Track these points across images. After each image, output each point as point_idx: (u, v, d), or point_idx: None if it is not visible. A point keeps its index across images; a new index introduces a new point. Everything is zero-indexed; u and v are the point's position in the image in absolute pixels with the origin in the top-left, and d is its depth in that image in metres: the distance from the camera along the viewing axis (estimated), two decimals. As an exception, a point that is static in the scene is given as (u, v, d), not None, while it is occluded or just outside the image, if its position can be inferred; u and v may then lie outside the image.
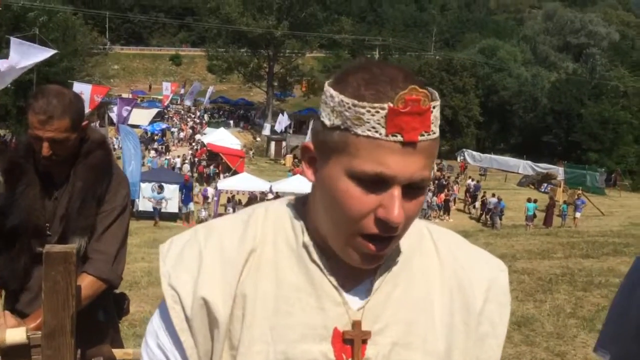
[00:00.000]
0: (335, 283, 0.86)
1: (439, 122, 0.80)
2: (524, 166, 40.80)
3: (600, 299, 6.39)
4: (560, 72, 55.07)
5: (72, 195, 1.88)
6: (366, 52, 56.87)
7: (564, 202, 23.63)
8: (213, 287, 0.84)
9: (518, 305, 6.20)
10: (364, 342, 0.85)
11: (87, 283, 1.84)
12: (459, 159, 43.64)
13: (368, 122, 0.76)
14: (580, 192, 25.00)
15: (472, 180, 29.31)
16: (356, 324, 0.85)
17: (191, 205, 20.82)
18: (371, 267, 0.85)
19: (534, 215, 20.46)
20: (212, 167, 29.74)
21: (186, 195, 20.91)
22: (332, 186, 0.80)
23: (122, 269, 1.98)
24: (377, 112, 0.76)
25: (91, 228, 1.89)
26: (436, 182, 29.08)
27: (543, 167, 38.87)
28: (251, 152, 41.18)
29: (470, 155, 45.03)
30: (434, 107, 0.78)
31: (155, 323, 0.90)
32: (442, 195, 25.33)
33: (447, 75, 50.59)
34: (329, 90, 0.82)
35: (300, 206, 0.92)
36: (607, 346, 1.23)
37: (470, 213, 25.55)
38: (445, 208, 24.63)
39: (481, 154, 45.70)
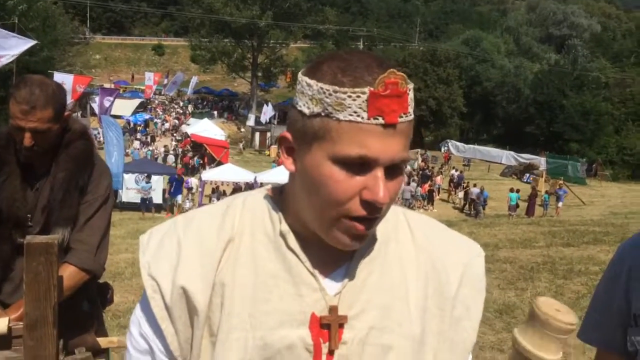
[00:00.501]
0: (311, 270, 0.88)
1: (413, 104, 0.83)
2: (507, 157, 41.17)
3: (580, 287, 6.51)
4: (543, 63, 55.54)
5: (53, 185, 1.87)
6: (350, 43, 56.84)
7: (546, 192, 23.92)
8: (192, 276, 0.86)
9: (500, 294, 6.29)
10: (341, 326, 0.86)
11: (70, 273, 1.84)
12: (442, 150, 43.87)
13: (349, 107, 0.78)
14: (561, 182, 25.31)
15: (456, 170, 29.51)
16: (333, 309, 0.86)
17: (179, 198, 20.75)
18: (357, 247, 0.87)
19: (517, 205, 20.70)
20: (196, 158, 29.58)
21: (176, 187, 20.86)
22: (316, 172, 0.82)
23: (105, 259, 1.97)
24: (358, 96, 0.78)
25: (74, 219, 1.88)
26: (420, 172, 29.25)
27: (525, 157, 39.25)
28: (241, 145, 40.78)
29: (454, 146, 45.30)
30: (409, 90, 0.81)
31: (138, 313, 0.91)
32: (426, 186, 25.48)
33: (431, 66, 50.74)
34: (304, 79, 0.83)
35: (278, 196, 0.94)
36: (590, 334, 1.26)
37: (454, 203, 25.75)
38: (429, 198, 24.79)
39: (465, 145, 46.00)
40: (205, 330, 0.86)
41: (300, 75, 0.85)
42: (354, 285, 0.89)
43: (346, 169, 0.80)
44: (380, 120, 0.78)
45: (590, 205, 23.81)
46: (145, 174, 19.96)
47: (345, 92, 0.78)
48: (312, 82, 0.82)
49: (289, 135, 0.87)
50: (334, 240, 0.84)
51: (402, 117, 0.80)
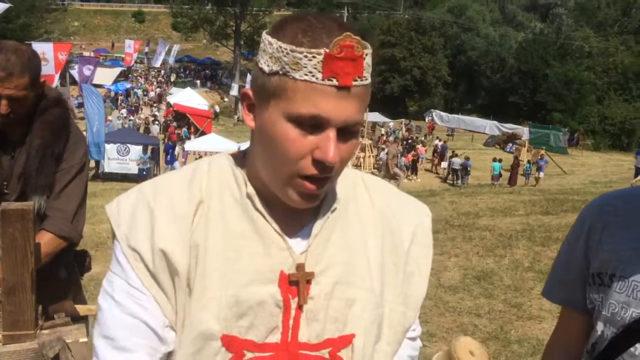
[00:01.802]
0: (278, 230, 0.92)
1: (370, 69, 0.85)
2: (491, 126, 41.35)
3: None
4: (528, 32, 55.32)
5: (29, 153, 1.86)
6: (335, 11, 56.00)
7: (528, 161, 24.15)
8: (169, 239, 0.88)
9: (479, 261, 6.42)
10: (308, 282, 0.91)
11: (47, 240, 1.85)
12: (427, 120, 43.90)
13: (305, 67, 0.80)
14: (543, 152, 25.55)
15: (440, 140, 29.62)
16: (300, 266, 0.91)
17: (176, 165, 20.69)
18: (309, 207, 0.90)
19: (500, 175, 20.90)
20: (184, 129, 29.19)
21: (171, 155, 20.89)
22: (271, 129, 0.84)
23: (82, 226, 1.98)
24: (314, 57, 0.80)
25: (50, 187, 1.88)
26: (404, 142, 29.30)
27: (509, 127, 39.46)
28: (236, 117, 39.74)
29: (438, 116, 45.34)
30: (366, 55, 0.83)
31: (119, 294, 0.89)
32: (410, 156, 25.56)
33: (416, 35, 50.32)
34: (267, 38, 0.85)
35: (241, 158, 0.97)
36: (554, 293, 1.29)
37: (437, 173, 25.92)
38: (413, 168, 24.90)
39: (449, 115, 46.04)
40: (186, 291, 0.88)
41: (264, 34, 0.87)
42: (318, 243, 0.93)
43: (300, 127, 0.82)
44: (334, 82, 0.80)
45: (571, 175, 24.14)
46: (143, 146, 19.76)
47: (301, 52, 0.80)
48: (273, 40, 0.83)
49: (250, 92, 0.89)
50: (287, 199, 0.88)
51: (356, 80, 0.82)
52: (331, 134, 0.82)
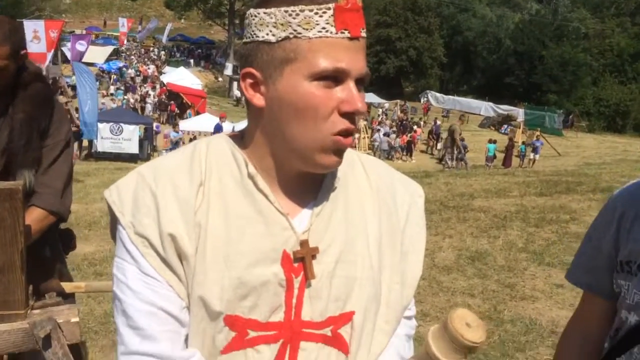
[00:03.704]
0: (281, 210, 0.91)
1: None
2: (486, 108, 41.33)
3: (551, 234, 6.68)
4: (524, 13, 54.98)
5: (13, 127, 1.84)
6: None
7: (523, 142, 24.20)
8: (175, 223, 0.87)
9: (473, 241, 6.44)
10: (313, 258, 0.91)
11: (37, 216, 1.84)
12: (422, 101, 43.83)
13: (318, 24, 0.83)
14: (538, 133, 25.59)
15: (435, 122, 29.60)
16: (304, 243, 0.91)
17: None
18: (339, 165, 0.91)
19: (494, 156, 20.93)
20: (189, 111, 28.87)
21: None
22: (294, 95, 0.85)
23: (70, 202, 1.98)
24: (325, 12, 0.83)
25: (38, 161, 1.86)
26: (399, 123, 29.27)
27: (504, 108, 39.47)
28: (235, 97, 38.79)
29: (434, 97, 45.26)
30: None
31: (133, 282, 0.88)
32: (405, 137, 25.56)
33: (412, 15, 49.96)
34: (260, 11, 0.86)
35: (239, 139, 0.97)
36: (579, 276, 1.29)
37: (432, 154, 25.94)
38: (408, 149, 24.92)
39: (444, 96, 45.98)
40: (193, 273, 0.88)
41: (252, 11, 0.87)
42: (320, 222, 0.93)
43: (323, 84, 0.84)
44: (347, 34, 0.84)
45: (565, 156, 24.21)
46: (135, 125, 19.68)
47: (312, 10, 0.82)
48: (272, 9, 0.84)
49: (253, 70, 0.88)
50: (321, 163, 0.89)
51: (362, 30, 0.86)
52: (352, 84, 0.85)
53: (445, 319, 0.78)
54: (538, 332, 4.13)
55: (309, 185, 0.95)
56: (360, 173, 1.01)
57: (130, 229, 0.88)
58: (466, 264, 5.67)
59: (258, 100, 0.89)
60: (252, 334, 0.90)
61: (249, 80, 0.89)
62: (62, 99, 12.26)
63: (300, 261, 0.91)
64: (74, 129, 10.99)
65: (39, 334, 1.74)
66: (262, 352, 0.90)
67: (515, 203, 8.51)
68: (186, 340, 0.90)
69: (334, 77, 0.84)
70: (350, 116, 0.86)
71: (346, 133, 0.87)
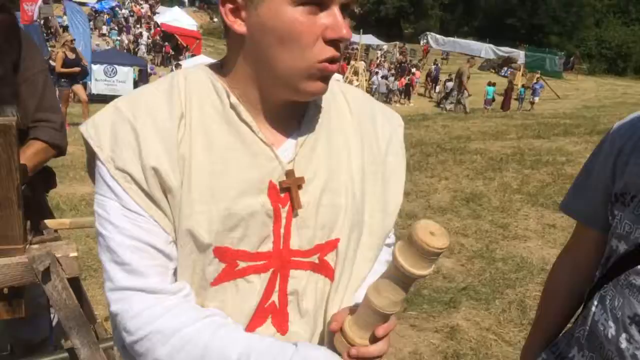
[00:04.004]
0: (265, 140, 0.91)
1: None
2: (486, 50, 40.61)
3: (546, 176, 6.73)
4: (529, -50, 53.09)
5: None
6: None
7: (523, 85, 23.94)
8: (158, 156, 0.85)
9: (468, 183, 6.49)
10: (299, 187, 0.92)
11: (40, 149, 1.88)
12: (422, 43, 42.99)
13: None
14: (538, 76, 25.27)
15: (434, 64, 29.16)
16: (290, 173, 0.91)
17: None
18: (325, 92, 0.90)
19: (493, 99, 20.75)
20: (188, 54, 28.29)
21: None
22: (277, 21, 0.82)
23: (66, 135, 2.01)
24: None
25: (16, 96, 1.85)
26: (398, 66, 28.84)
27: (505, 50, 38.80)
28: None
29: (434, 39, 44.35)
30: None
31: (116, 218, 0.86)
32: (404, 80, 25.25)
33: (413, -48, 48.32)
34: None
35: (219, 69, 0.94)
36: (574, 207, 1.31)
37: (431, 97, 25.70)
38: (406, 92, 24.67)
39: (444, 38, 45.05)
40: (179, 206, 0.87)
41: None
42: (304, 152, 0.93)
43: (306, 9, 0.82)
44: None
45: (564, 99, 24.02)
46: (129, 66, 19.31)
47: None
48: None
49: None
50: (308, 90, 0.87)
51: None
52: (337, 11, 0.83)
53: (409, 232, 0.81)
54: (528, 270, 4.23)
55: (292, 115, 0.94)
56: (342, 103, 1.01)
57: (110, 164, 0.86)
58: (461, 205, 5.74)
59: (239, 26, 0.86)
60: (242, 264, 0.90)
61: (229, 5, 0.86)
62: (66, 36, 12.02)
63: (287, 191, 0.91)
64: (77, 69, 10.83)
65: (38, 268, 1.78)
66: (253, 281, 0.92)
67: (512, 145, 8.52)
68: (174, 274, 0.90)
69: (318, 2, 0.82)
70: (335, 43, 0.84)
71: (332, 60, 0.85)
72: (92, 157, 0.91)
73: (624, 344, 1.05)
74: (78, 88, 11.18)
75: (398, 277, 0.84)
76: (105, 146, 0.86)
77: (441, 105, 22.24)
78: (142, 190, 0.85)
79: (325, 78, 0.87)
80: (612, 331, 1.09)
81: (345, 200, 0.95)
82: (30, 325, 2.19)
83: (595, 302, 1.16)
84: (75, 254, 1.89)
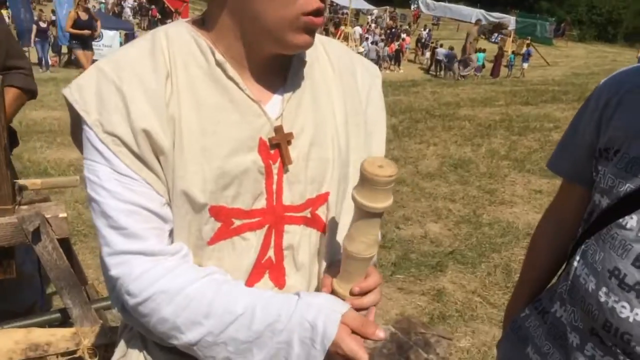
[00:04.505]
0: (253, 97, 0.91)
1: None
2: (477, 15, 40.04)
3: (533, 142, 6.77)
4: None
5: None
6: None
7: (513, 52, 23.82)
8: (148, 117, 0.84)
9: (456, 149, 6.52)
10: (288, 143, 0.93)
11: (15, 95, 1.96)
12: (412, 7, 42.41)
13: None
14: (528, 42, 25.13)
15: (425, 29, 28.86)
16: (278, 129, 0.92)
17: None
18: (311, 45, 0.90)
19: (483, 66, 20.67)
20: (177, 17, 27.78)
21: None
22: None
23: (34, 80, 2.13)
24: None
25: None
26: (388, 31, 28.51)
27: (496, 16, 38.37)
28: None
29: (424, 3, 43.72)
30: None
31: (108, 183, 0.85)
32: (394, 45, 25.00)
33: None
34: None
35: (200, 25, 0.93)
36: (559, 164, 1.32)
37: (421, 63, 25.53)
38: (396, 58, 24.46)
39: (435, 2, 44.41)
40: (172, 168, 0.87)
41: None
42: (291, 107, 0.94)
43: None
44: None
45: (554, 66, 23.96)
46: (114, 30, 18.87)
47: None
48: None
49: None
50: (294, 43, 0.87)
51: None
52: None
53: (360, 171, 0.84)
54: (514, 235, 4.30)
55: (277, 70, 0.94)
56: (323, 55, 1.01)
57: (98, 128, 0.84)
58: (449, 171, 5.78)
59: None
60: (237, 222, 0.91)
61: None
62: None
63: (276, 147, 0.92)
64: (87, 32, 10.56)
65: (27, 228, 1.78)
66: (249, 239, 0.93)
67: (501, 112, 8.54)
68: (171, 235, 0.90)
69: None
70: None
71: (317, 12, 0.85)
72: (77, 122, 0.89)
73: (603, 298, 1.08)
74: (80, 54, 10.72)
75: (364, 217, 0.87)
76: (92, 110, 0.84)
77: (431, 72, 22.13)
78: (133, 153, 0.85)
79: (310, 31, 0.87)
80: (592, 285, 1.11)
81: (333, 153, 0.96)
82: (15, 293, 2.22)
83: (577, 257, 1.18)
84: (64, 214, 1.90)
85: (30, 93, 2.05)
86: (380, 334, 0.86)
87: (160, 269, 0.86)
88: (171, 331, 0.87)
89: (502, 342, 1.45)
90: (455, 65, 20.37)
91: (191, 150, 0.86)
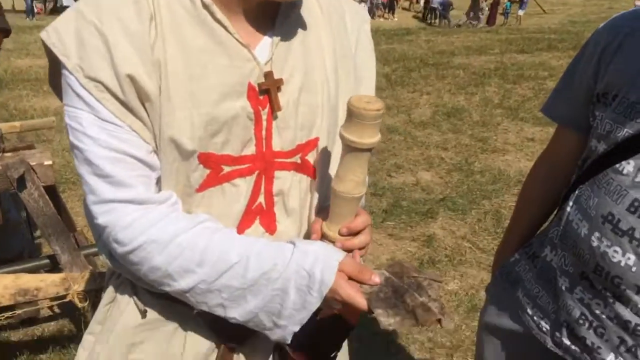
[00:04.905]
0: (241, 40, 0.87)
1: None
2: (474, -39, 39.18)
3: (527, 91, 6.72)
4: None
5: None
6: None
7: (509, 0, 23.37)
8: (132, 62, 0.80)
9: (450, 98, 6.46)
10: (278, 89, 0.90)
11: None
12: (407, -48, 41.22)
13: None
14: (525, -12, 24.62)
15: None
16: (268, 75, 0.89)
17: None
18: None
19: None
20: None
21: None
22: None
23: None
24: None
25: None
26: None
27: (492, -38, 37.47)
28: None
29: (420, -52, 42.53)
30: None
31: (92, 130, 0.81)
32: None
33: None
34: None
35: None
36: (553, 109, 1.31)
37: (415, 11, 25.04)
38: (390, 6, 23.94)
39: (431, -53, 43.21)
40: (159, 114, 0.83)
41: None
42: (280, 52, 0.91)
43: None
44: None
45: (551, 14, 23.57)
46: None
47: None
48: None
49: None
50: None
51: None
52: None
53: (347, 108, 0.84)
54: (505, 182, 4.32)
55: (265, 14, 0.90)
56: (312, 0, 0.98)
57: (79, 73, 0.80)
58: (442, 119, 5.74)
59: None
60: (227, 169, 0.90)
61: None
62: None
63: (266, 93, 0.89)
64: None
65: (12, 175, 1.75)
66: (239, 185, 0.91)
67: (495, 60, 8.44)
68: (158, 183, 0.88)
69: None
70: None
71: None
72: (55, 67, 0.85)
73: (595, 242, 1.08)
74: None
75: (352, 155, 0.86)
76: (72, 54, 0.80)
77: (427, 20, 21.72)
78: (117, 99, 0.81)
79: None
80: (585, 230, 1.11)
81: (322, 98, 0.94)
82: (1, 240, 2.21)
83: (571, 203, 1.17)
84: (49, 162, 1.86)
85: (5, 32, 2.04)
86: (376, 278, 0.86)
87: (150, 217, 0.84)
88: (163, 279, 0.86)
89: (491, 286, 1.46)
90: (463, 17, 20.03)
91: (178, 96, 0.83)
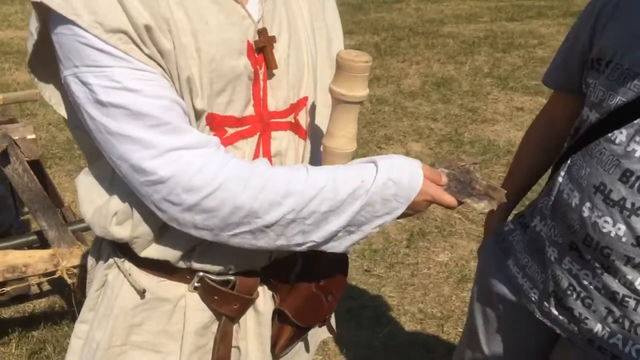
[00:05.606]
0: None
1: None
2: None
3: (517, 59, 6.67)
4: None
5: None
6: None
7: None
8: (144, 15, 0.76)
9: (439, 67, 6.41)
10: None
11: None
12: None
13: None
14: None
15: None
16: (263, 32, 0.88)
17: None
18: None
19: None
20: None
21: None
22: None
23: None
24: None
25: None
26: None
27: None
28: None
29: None
30: None
31: (130, 82, 0.76)
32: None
33: None
34: None
35: None
36: (554, 77, 1.30)
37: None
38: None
39: None
40: (172, 73, 0.81)
41: None
42: (268, 9, 0.90)
43: None
44: None
45: (540, -19, 23.38)
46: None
47: None
48: None
49: None
50: None
51: None
52: None
53: (336, 61, 0.85)
54: (494, 152, 4.32)
55: None
56: None
57: (98, 29, 0.74)
58: (431, 89, 5.70)
59: None
60: (230, 131, 0.89)
61: None
62: None
63: (261, 51, 0.88)
64: None
65: (-5, 150, 1.72)
66: (241, 147, 0.90)
67: (485, 29, 8.36)
68: None
69: None
70: None
71: None
72: (45, 39, 0.79)
73: (586, 213, 1.08)
74: None
75: (343, 110, 0.87)
76: (82, 12, 0.73)
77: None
78: (142, 51, 0.77)
79: None
80: (576, 200, 1.11)
81: (307, 56, 0.95)
82: None
83: (562, 173, 1.17)
84: (33, 136, 1.83)
85: None
86: (444, 178, 0.92)
87: (219, 158, 0.81)
88: (244, 218, 0.81)
89: (483, 250, 1.46)
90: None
91: (188, 50, 0.81)
